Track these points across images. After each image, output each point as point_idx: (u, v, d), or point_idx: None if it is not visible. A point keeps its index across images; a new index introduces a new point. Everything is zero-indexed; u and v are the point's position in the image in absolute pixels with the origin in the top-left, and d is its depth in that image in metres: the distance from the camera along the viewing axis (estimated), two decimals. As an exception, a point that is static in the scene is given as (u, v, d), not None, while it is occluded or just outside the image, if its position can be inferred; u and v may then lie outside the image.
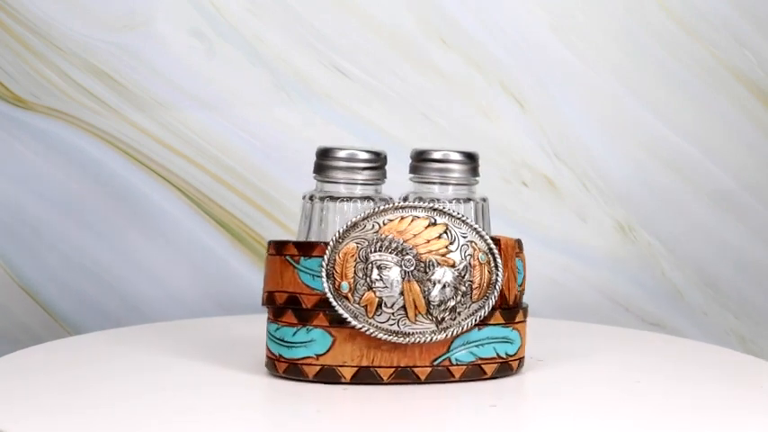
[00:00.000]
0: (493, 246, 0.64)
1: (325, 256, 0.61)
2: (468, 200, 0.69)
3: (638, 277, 0.99)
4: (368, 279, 0.61)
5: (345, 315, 0.61)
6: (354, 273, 0.61)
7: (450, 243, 0.63)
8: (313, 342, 0.62)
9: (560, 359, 0.71)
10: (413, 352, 0.63)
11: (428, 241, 0.62)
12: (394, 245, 0.62)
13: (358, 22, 0.96)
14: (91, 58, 0.94)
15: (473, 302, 0.63)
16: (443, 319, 0.62)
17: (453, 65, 0.96)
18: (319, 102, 0.96)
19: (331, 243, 0.62)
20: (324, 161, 0.67)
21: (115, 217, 0.95)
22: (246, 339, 0.73)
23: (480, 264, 0.63)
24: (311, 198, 0.68)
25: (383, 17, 0.96)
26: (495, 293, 0.63)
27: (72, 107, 0.94)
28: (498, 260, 0.64)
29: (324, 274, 0.61)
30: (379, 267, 0.61)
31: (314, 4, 0.95)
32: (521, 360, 0.66)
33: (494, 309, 0.64)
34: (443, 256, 0.62)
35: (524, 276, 0.66)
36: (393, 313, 0.62)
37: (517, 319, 0.65)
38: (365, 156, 0.66)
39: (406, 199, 0.69)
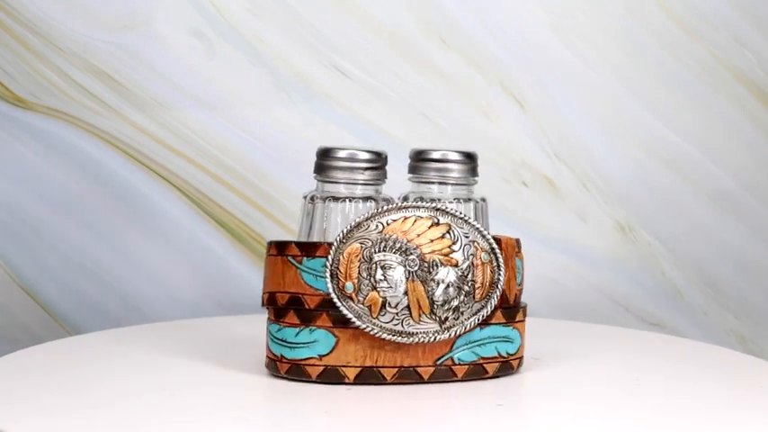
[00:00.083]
0: (495, 245, 0.64)
1: (329, 257, 0.61)
2: (468, 200, 0.69)
3: (638, 277, 0.99)
4: (372, 279, 0.61)
5: (350, 315, 0.61)
6: (359, 273, 0.61)
7: (453, 243, 0.63)
8: (316, 342, 0.62)
9: (560, 359, 0.71)
10: (416, 352, 0.63)
11: (431, 241, 0.62)
12: (398, 245, 0.62)
13: (358, 22, 0.95)
14: (91, 58, 0.94)
15: (476, 302, 0.63)
16: (447, 318, 0.62)
17: (453, 65, 0.96)
18: (319, 102, 0.96)
19: (335, 243, 0.61)
20: (324, 161, 0.67)
21: (115, 217, 0.95)
22: (246, 339, 0.73)
23: (483, 263, 0.63)
24: (312, 198, 0.68)
25: (383, 17, 0.96)
26: (498, 293, 0.63)
27: (72, 107, 0.94)
28: (500, 260, 0.64)
29: (328, 274, 0.61)
30: (383, 267, 0.61)
31: (314, 4, 0.95)
32: (521, 359, 0.66)
33: (495, 308, 0.64)
34: (447, 255, 0.62)
35: (523, 275, 0.66)
36: (397, 313, 0.61)
37: (517, 318, 0.65)
38: (366, 156, 0.66)
39: (405, 199, 0.69)
